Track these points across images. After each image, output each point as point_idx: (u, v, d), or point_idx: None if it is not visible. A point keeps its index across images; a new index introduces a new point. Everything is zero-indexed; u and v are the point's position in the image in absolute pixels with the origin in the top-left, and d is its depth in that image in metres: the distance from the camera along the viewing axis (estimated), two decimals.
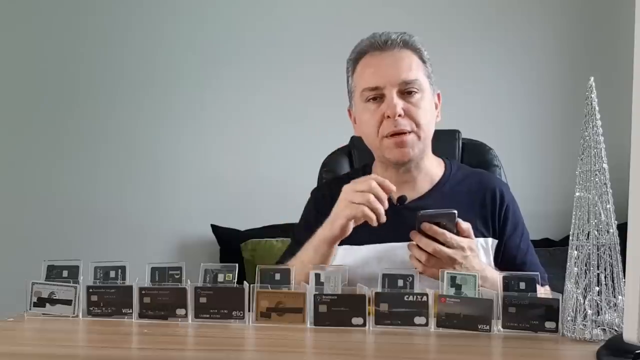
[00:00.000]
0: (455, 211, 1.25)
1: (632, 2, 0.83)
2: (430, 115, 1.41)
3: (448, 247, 1.23)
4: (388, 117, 1.36)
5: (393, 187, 1.28)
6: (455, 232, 1.25)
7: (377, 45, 1.40)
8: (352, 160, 1.73)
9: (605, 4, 2.86)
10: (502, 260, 1.42)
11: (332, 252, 1.33)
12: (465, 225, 1.27)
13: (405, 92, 1.37)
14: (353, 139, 1.75)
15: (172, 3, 2.92)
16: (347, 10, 2.86)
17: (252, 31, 2.90)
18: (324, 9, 2.89)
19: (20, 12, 2.90)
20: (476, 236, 1.38)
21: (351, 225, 1.29)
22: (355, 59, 1.44)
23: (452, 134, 1.71)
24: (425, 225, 1.24)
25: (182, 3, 2.91)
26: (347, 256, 1.40)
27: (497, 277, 1.13)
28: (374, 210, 1.25)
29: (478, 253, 1.32)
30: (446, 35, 2.77)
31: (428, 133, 1.41)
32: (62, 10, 2.90)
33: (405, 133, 1.37)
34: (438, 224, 1.24)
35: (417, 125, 1.37)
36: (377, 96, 1.38)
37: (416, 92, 1.38)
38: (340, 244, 1.43)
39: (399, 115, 1.35)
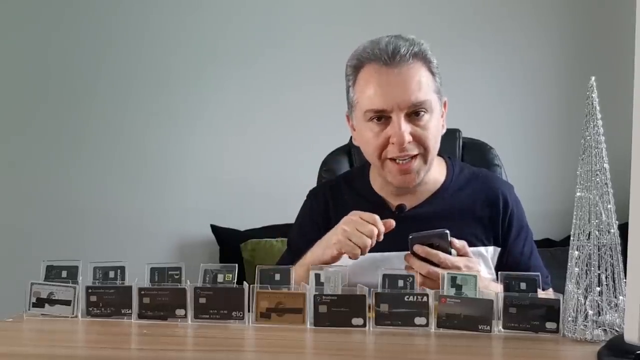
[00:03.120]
0: (448, 231, 1.22)
1: (633, 2, 0.83)
2: (437, 134, 1.35)
3: (443, 267, 1.19)
4: (393, 143, 1.30)
5: (390, 225, 1.25)
6: (450, 250, 1.22)
7: (383, 59, 1.29)
8: (352, 159, 1.73)
9: (606, 4, 2.86)
10: (505, 265, 1.38)
11: None
12: (460, 244, 1.24)
13: (413, 113, 1.30)
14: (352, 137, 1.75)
15: (177, 6, 2.91)
16: (346, 12, 2.86)
17: (252, 32, 2.90)
18: (324, 10, 2.88)
19: (25, 12, 2.90)
20: (476, 245, 1.37)
21: (341, 257, 1.27)
22: (356, 66, 1.34)
23: (453, 133, 1.70)
24: (418, 248, 1.21)
25: (187, 6, 2.91)
26: (344, 264, 1.39)
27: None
28: (362, 248, 1.23)
29: (478, 269, 1.27)
30: (447, 35, 2.76)
31: (434, 153, 1.35)
32: (68, 10, 2.90)
33: (410, 158, 1.32)
34: (431, 245, 1.21)
35: (425, 148, 1.32)
36: (382, 117, 1.31)
37: (425, 113, 1.30)
38: None
39: (408, 142, 1.29)
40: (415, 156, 1.32)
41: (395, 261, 1.29)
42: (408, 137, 1.29)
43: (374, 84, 1.31)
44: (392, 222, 1.25)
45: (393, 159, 1.33)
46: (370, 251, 1.36)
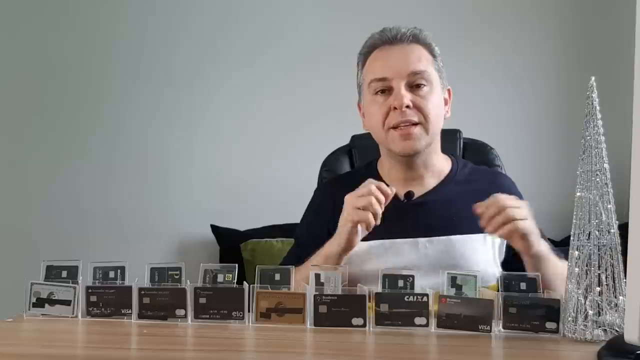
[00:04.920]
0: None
1: (633, 2, 0.83)
2: (438, 109, 1.40)
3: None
4: (395, 108, 1.36)
5: (390, 190, 1.26)
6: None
7: (387, 39, 1.40)
8: (353, 159, 1.73)
9: (606, 4, 2.86)
10: (510, 255, 1.40)
11: None
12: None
13: (414, 85, 1.37)
14: (353, 138, 1.75)
15: (178, 6, 2.91)
16: (346, 12, 2.86)
17: (253, 33, 2.90)
18: (325, 11, 2.89)
19: (22, 12, 2.90)
20: (484, 232, 1.37)
21: (358, 233, 1.28)
22: (366, 53, 1.44)
23: (453, 133, 1.71)
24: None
25: (187, 6, 2.91)
26: (352, 251, 1.39)
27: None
28: (374, 213, 1.25)
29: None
30: (447, 35, 2.75)
31: (435, 127, 1.40)
32: (68, 10, 2.90)
33: (411, 125, 1.36)
34: None
35: (425, 117, 1.37)
36: (385, 88, 1.38)
37: (425, 85, 1.37)
38: None
39: (407, 107, 1.35)
40: (416, 124, 1.37)
41: (404, 247, 1.31)
42: (407, 101, 1.35)
43: (377, 60, 1.41)
44: (391, 190, 1.27)
45: (395, 128, 1.37)
46: (378, 237, 1.37)
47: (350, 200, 1.28)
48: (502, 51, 2.89)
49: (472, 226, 1.35)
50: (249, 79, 2.90)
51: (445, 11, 2.87)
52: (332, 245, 1.31)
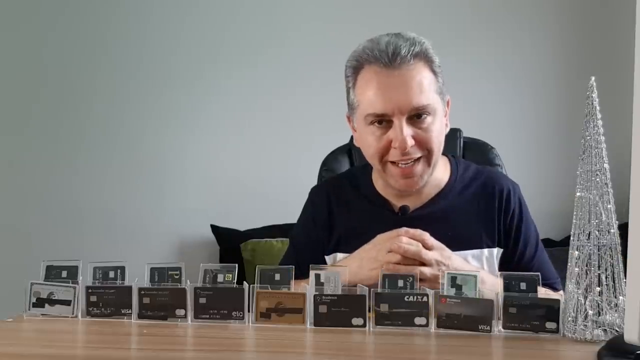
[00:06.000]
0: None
1: (633, 2, 0.83)
2: (441, 136, 1.31)
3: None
4: (395, 147, 1.27)
5: (425, 235, 1.23)
6: None
7: (384, 60, 1.25)
8: (352, 159, 1.73)
9: (606, 4, 2.86)
10: (514, 264, 1.36)
11: None
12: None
13: (415, 116, 1.27)
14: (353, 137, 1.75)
15: (177, 6, 2.91)
16: (346, 12, 2.86)
17: (251, 32, 2.90)
18: (324, 10, 2.89)
19: (23, 10, 2.90)
20: (481, 247, 1.35)
21: None
22: (356, 67, 1.31)
23: (454, 132, 1.70)
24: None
25: (186, 6, 2.91)
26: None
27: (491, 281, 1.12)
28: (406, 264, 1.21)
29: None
30: (448, 34, 2.76)
31: (438, 155, 1.32)
32: (66, 9, 2.90)
33: (413, 161, 1.29)
34: None
35: (429, 151, 1.29)
36: (383, 120, 1.28)
37: (427, 115, 1.27)
38: (340, 252, 1.41)
39: (411, 146, 1.26)
40: (418, 159, 1.30)
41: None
42: (410, 141, 1.26)
43: (374, 86, 1.27)
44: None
45: (395, 162, 1.30)
46: None
47: (379, 251, 1.24)
48: (502, 51, 2.89)
49: (470, 239, 1.33)
50: (249, 79, 2.89)
51: (445, 11, 2.87)
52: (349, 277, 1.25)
